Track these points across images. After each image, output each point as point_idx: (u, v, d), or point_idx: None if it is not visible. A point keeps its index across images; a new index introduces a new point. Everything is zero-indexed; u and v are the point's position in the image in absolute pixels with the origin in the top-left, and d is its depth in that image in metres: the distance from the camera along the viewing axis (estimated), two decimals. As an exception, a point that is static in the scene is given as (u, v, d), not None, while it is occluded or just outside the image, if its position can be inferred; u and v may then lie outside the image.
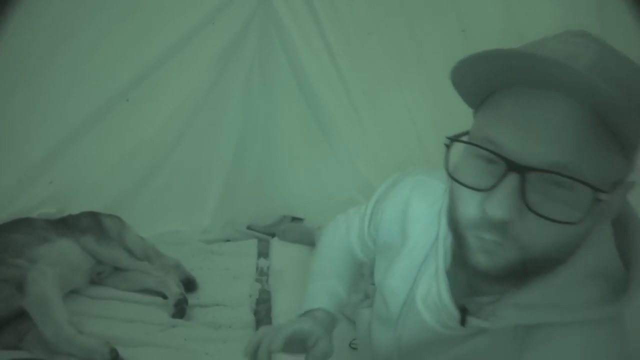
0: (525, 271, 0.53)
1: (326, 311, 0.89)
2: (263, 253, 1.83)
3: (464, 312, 0.61)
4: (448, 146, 0.55)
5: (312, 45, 1.81)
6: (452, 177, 0.55)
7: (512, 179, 0.48)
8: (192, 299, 1.45)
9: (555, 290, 0.55)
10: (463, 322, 0.60)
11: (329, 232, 1.05)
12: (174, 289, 1.42)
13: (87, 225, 1.57)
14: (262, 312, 1.48)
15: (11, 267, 1.29)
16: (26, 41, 1.36)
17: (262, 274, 1.70)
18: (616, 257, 0.57)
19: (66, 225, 1.55)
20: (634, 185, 0.54)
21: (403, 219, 0.78)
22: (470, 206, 0.53)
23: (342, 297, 0.91)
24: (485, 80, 0.52)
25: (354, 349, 1.12)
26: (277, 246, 1.83)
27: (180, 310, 1.37)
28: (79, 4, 1.44)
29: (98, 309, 1.38)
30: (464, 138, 0.55)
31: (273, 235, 1.95)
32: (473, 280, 0.63)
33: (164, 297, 1.43)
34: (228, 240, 1.93)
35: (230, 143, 1.95)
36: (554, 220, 0.48)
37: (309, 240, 1.76)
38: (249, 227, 2.03)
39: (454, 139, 0.55)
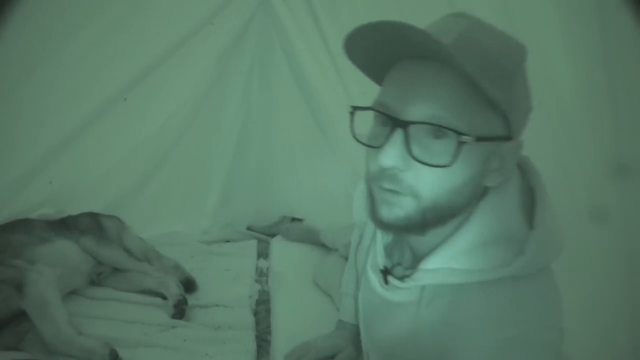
0: (424, 221, 0.60)
1: (354, 325, 1.11)
2: (263, 254, 1.83)
3: (385, 272, 0.70)
4: (352, 113, 0.65)
5: (311, 45, 1.81)
6: (356, 139, 0.65)
7: (398, 134, 0.57)
8: (191, 299, 1.44)
9: (455, 255, 0.62)
10: (385, 280, 0.70)
11: (351, 243, 1.13)
12: (174, 290, 1.41)
13: (87, 225, 1.57)
14: (262, 312, 1.48)
15: (10, 267, 1.29)
16: (26, 41, 1.36)
17: (262, 275, 1.70)
18: (520, 223, 0.62)
19: (65, 225, 1.55)
20: (520, 147, 0.62)
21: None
22: (372, 162, 0.62)
23: None
24: (375, 55, 0.61)
25: None
26: (277, 247, 1.83)
27: (180, 311, 1.37)
28: (79, 4, 1.44)
29: (97, 310, 1.38)
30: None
31: (273, 235, 1.95)
32: (403, 245, 0.73)
33: (164, 297, 1.43)
34: (228, 241, 1.93)
35: (229, 143, 1.95)
36: (430, 165, 0.56)
37: (312, 240, 1.75)
38: (248, 228, 2.03)
39: (356, 107, 0.65)
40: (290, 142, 2.00)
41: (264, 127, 1.98)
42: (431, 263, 0.64)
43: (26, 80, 1.44)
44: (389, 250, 0.76)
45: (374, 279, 0.74)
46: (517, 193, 0.64)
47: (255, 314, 1.46)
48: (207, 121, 1.89)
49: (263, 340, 1.36)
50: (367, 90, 1.97)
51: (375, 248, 0.76)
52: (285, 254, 1.76)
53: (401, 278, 0.69)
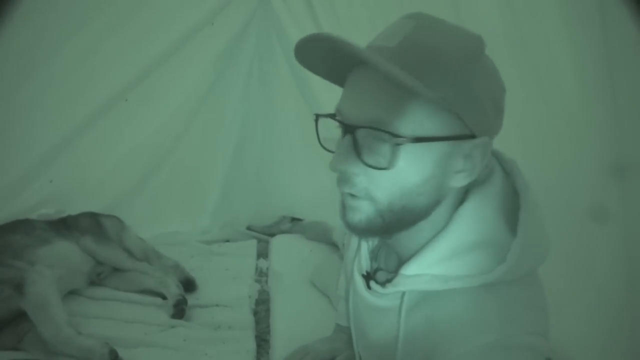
0: (385, 224, 0.61)
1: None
2: (262, 254, 1.83)
3: (368, 277, 0.71)
4: (315, 120, 0.66)
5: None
6: (321, 145, 0.65)
7: (347, 138, 0.59)
8: (191, 299, 1.44)
9: (434, 262, 0.62)
10: (368, 286, 0.70)
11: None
12: (174, 290, 1.41)
13: (87, 226, 1.57)
14: (262, 312, 1.48)
15: (10, 268, 1.29)
16: (27, 41, 1.36)
17: (262, 275, 1.70)
18: (502, 228, 0.61)
19: (65, 226, 1.55)
20: (488, 145, 0.60)
21: None
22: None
23: None
24: (331, 64, 0.62)
25: None
26: (276, 247, 1.83)
27: (180, 310, 1.37)
28: (79, 4, 1.44)
29: (97, 310, 1.38)
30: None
31: (273, 235, 1.95)
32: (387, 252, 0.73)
33: (164, 297, 1.43)
34: (227, 241, 1.93)
35: (229, 143, 1.95)
36: (375, 168, 0.57)
37: (328, 239, 1.75)
38: (248, 228, 2.03)
39: (318, 114, 0.65)
40: (290, 142, 2.00)
41: (264, 126, 1.98)
42: (411, 269, 0.63)
43: (26, 80, 1.44)
44: (374, 254, 0.75)
45: (360, 283, 0.73)
46: (499, 198, 0.63)
47: (255, 313, 1.46)
48: (207, 121, 1.89)
49: (262, 340, 1.36)
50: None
51: (359, 251, 0.75)
52: (285, 254, 1.76)
53: (383, 283, 0.68)
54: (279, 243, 1.86)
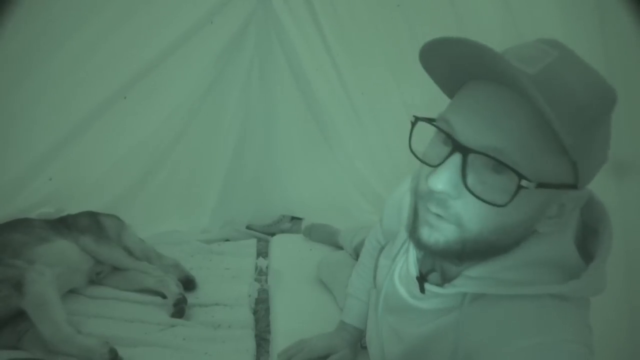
0: (463, 252, 0.58)
1: (355, 328, 1.12)
2: (262, 253, 1.83)
3: (422, 279, 0.68)
4: (413, 123, 0.61)
5: (311, 45, 1.81)
6: (412, 152, 0.61)
7: (456, 158, 0.54)
8: (191, 298, 1.44)
9: (502, 268, 0.60)
10: (422, 289, 0.67)
11: (365, 246, 1.13)
12: (173, 289, 1.41)
13: (86, 225, 1.57)
14: (261, 311, 1.48)
15: (9, 267, 1.29)
16: (26, 39, 1.36)
17: (262, 274, 1.70)
18: (573, 255, 0.61)
19: (65, 225, 1.55)
20: (584, 198, 0.58)
21: (399, 207, 0.84)
22: (423, 179, 0.59)
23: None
24: (451, 68, 0.57)
25: (364, 347, 1.14)
26: (276, 246, 1.83)
27: (180, 309, 1.37)
28: (78, 3, 1.43)
29: (97, 309, 1.38)
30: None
31: (272, 234, 1.95)
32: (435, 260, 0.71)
33: (163, 296, 1.43)
34: (227, 240, 1.93)
35: (229, 143, 1.95)
36: (482, 200, 0.53)
37: (332, 241, 1.75)
38: (248, 227, 2.03)
39: (419, 117, 0.60)
40: (290, 142, 2.00)
41: (264, 126, 1.98)
42: (476, 271, 0.62)
43: (26, 79, 1.44)
44: (420, 261, 0.73)
45: (402, 289, 0.72)
46: (573, 226, 0.62)
47: (255, 312, 1.47)
48: (206, 120, 1.89)
49: (262, 339, 1.36)
50: (366, 90, 1.98)
51: (407, 258, 0.74)
52: (285, 253, 1.76)
53: (439, 285, 0.67)
54: (278, 242, 1.86)
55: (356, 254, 1.49)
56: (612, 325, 1.02)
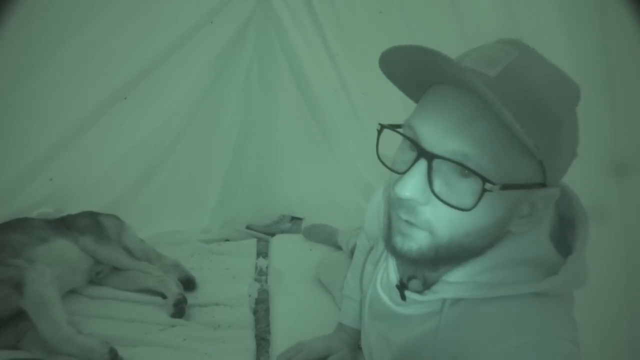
0: (437, 258, 0.58)
1: (353, 328, 1.12)
2: (262, 253, 1.83)
3: (402, 287, 0.68)
4: (379, 131, 0.61)
5: (311, 45, 1.81)
6: (380, 160, 0.62)
7: (421, 164, 0.54)
8: (191, 298, 1.44)
9: (480, 271, 0.60)
10: (403, 296, 0.67)
11: (357, 246, 1.13)
12: (173, 289, 1.41)
13: (86, 225, 1.57)
14: (261, 311, 1.48)
15: (9, 267, 1.29)
16: (27, 39, 1.36)
17: (262, 274, 1.70)
18: (549, 248, 0.61)
19: (65, 225, 1.55)
20: (555, 195, 0.58)
21: (378, 212, 0.85)
22: (392, 187, 0.58)
23: None
24: (412, 74, 0.57)
25: (361, 349, 1.13)
26: (276, 246, 1.83)
27: (180, 310, 1.37)
28: (79, 4, 1.43)
29: (97, 309, 1.38)
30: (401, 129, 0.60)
31: (272, 234, 1.95)
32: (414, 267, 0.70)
33: (163, 296, 1.43)
34: (227, 240, 1.93)
35: (229, 143, 1.95)
36: (449, 205, 0.53)
37: (332, 242, 1.75)
38: (248, 227, 2.03)
39: (384, 125, 0.60)
40: (290, 142, 2.00)
41: (264, 126, 1.98)
42: (454, 276, 0.62)
43: (26, 79, 1.44)
44: (400, 267, 0.73)
45: (384, 296, 0.72)
46: (548, 222, 0.62)
47: (255, 312, 1.47)
48: (206, 120, 1.89)
49: (262, 339, 1.36)
50: (367, 90, 1.98)
51: (387, 264, 0.74)
52: (285, 253, 1.77)
53: (420, 292, 0.67)
54: (278, 242, 1.87)
55: (352, 255, 1.49)
56: (613, 325, 1.02)
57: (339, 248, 1.68)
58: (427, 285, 0.67)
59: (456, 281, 0.62)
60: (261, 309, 1.50)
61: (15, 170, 1.54)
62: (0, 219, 1.48)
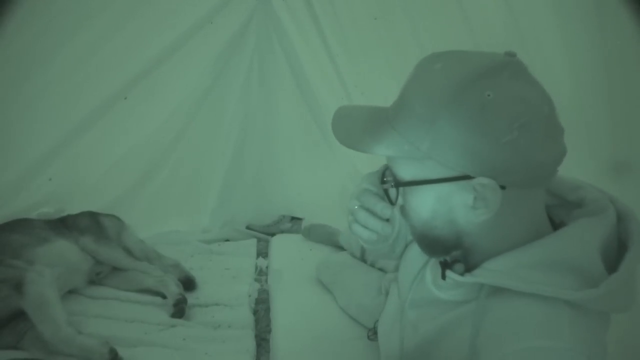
0: (422, 245, 0.71)
1: None
2: (262, 253, 1.83)
3: (444, 265, 0.71)
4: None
5: (311, 45, 1.81)
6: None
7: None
8: (191, 298, 1.44)
9: (521, 265, 0.62)
10: (443, 275, 0.70)
11: None
12: (173, 289, 1.41)
13: (86, 225, 1.57)
14: (261, 311, 1.48)
15: (9, 267, 1.29)
16: (27, 40, 1.36)
17: (261, 274, 1.70)
18: (595, 258, 0.61)
19: (65, 225, 1.55)
20: (490, 186, 0.60)
21: None
22: None
23: None
24: None
25: (371, 339, 1.13)
26: (276, 246, 1.83)
27: (180, 310, 1.37)
28: (78, 4, 1.44)
29: (97, 309, 1.38)
30: None
31: (272, 234, 1.95)
32: None
33: (163, 296, 1.43)
34: (227, 240, 1.93)
35: (229, 143, 1.95)
36: (389, 198, 0.71)
37: (332, 242, 1.75)
38: (248, 227, 2.03)
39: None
40: (290, 142, 2.00)
41: (264, 126, 1.98)
42: (496, 264, 0.64)
43: (26, 79, 1.44)
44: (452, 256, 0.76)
45: (429, 276, 0.75)
46: (605, 234, 0.63)
47: (255, 312, 1.47)
48: (206, 120, 1.89)
49: (262, 339, 1.36)
50: (366, 90, 1.98)
51: None
52: (285, 253, 1.76)
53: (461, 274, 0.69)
54: (278, 242, 1.87)
55: (362, 253, 1.49)
56: (612, 325, 1.02)
57: (339, 248, 1.68)
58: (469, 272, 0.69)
59: (496, 269, 0.64)
60: (261, 309, 1.50)
61: (16, 170, 1.55)
62: (0, 219, 1.48)
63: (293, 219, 2.06)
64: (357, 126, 0.69)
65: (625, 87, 0.93)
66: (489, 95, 0.58)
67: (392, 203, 0.69)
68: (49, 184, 1.62)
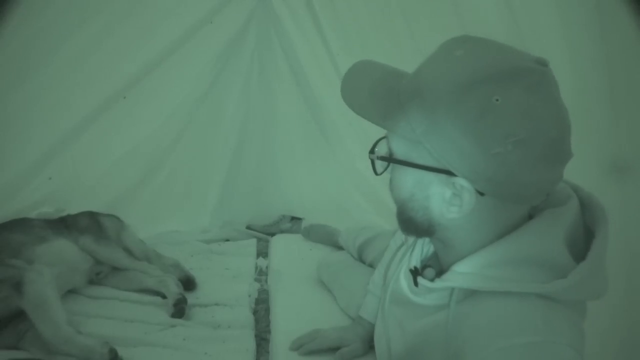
0: (402, 226, 0.70)
1: (370, 323, 1.13)
2: (262, 253, 1.83)
3: (415, 273, 0.72)
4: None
5: (311, 44, 1.81)
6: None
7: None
8: (191, 298, 1.44)
9: (488, 264, 0.63)
10: (415, 282, 0.71)
11: (390, 245, 1.13)
12: (173, 289, 1.41)
13: (86, 225, 1.57)
14: (261, 311, 1.48)
15: (9, 267, 1.29)
16: (26, 39, 1.36)
17: (261, 274, 1.70)
18: (561, 249, 0.61)
19: (64, 225, 1.55)
20: (466, 189, 0.59)
21: None
22: None
23: None
24: None
25: (373, 347, 1.14)
26: (276, 246, 1.83)
27: (180, 310, 1.37)
28: (78, 3, 1.43)
29: (97, 309, 1.38)
30: None
31: (272, 234, 1.95)
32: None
33: (163, 296, 1.43)
34: (227, 240, 1.93)
35: (229, 143, 1.95)
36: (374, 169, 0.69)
37: (331, 241, 1.75)
38: (248, 227, 2.03)
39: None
40: (290, 142, 2.00)
41: (264, 126, 1.98)
42: (464, 266, 0.64)
43: (26, 78, 1.44)
44: (424, 261, 0.77)
45: (404, 283, 0.75)
46: (568, 224, 0.63)
47: (255, 312, 1.46)
48: (206, 120, 1.89)
49: (262, 339, 1.36)
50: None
51: (412, 253, 0.78)
52: (285, 253, 1.76)
53: (431, 280, 0.70)
54: (278, 242, 1.86)
55: (359, 254, 1.49)
56: (611, 325, 1.02)
57: (339, 248, 1.68)
58: (440, 276, 0.69)
59: (464, 271, 0.64)
60: (261, 309, 1.50)
61: (15, 170, 1.54)
62: (0, 218, 1.48)
63: (293, 219, 2.06)
64: (366, 87, 0.68)
65: (626, 87, 0.93)
66: (496, 100, 0.55)
67: (376, 173, 0.69)
68: (49, 183, 1.62)
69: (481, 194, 0.59)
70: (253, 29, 1.83)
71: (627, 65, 0.91)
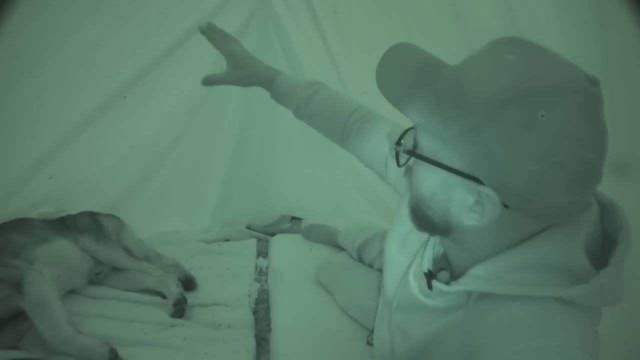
0: (416, 222, 0.68)
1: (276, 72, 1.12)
2: (262, 253, 1.83)
3: (430, 276, 0.70)
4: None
5: (310, 45, 1.81)
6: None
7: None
8: (191, 298, 1.44)
9: (507, 268, 0.62)
10: (429, 285, 0.69)
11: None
12: (173, 289, 1.41)
13: (86, 225, 1.57)
14: (261, 311, 1.48)
15: (9, 267, 1.29)
16: (27, 39, 1.36)
17: (261, 274, 1.70)
18: (581, 256, 0.60)
19: (65, 225, 1.55)
20: (492, 199, 0.58)
21: None
22: None
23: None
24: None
25: (370, 344, 1.13)
26: (276, 246, 1.83)
27: (180, 310, 1.37)
28: (79, 4, 1.43)
29: (97, 309, 1.38)
30: None
31: (272, 234, 1.95)
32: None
33: (163, 296, 1.43)
34: (227, 240, 1.93)
35: (229, 142, 1.95)
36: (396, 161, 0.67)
37: (331, 242, 1.75)
38: (248, 227, 2.03)
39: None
40: (290, 142, 2.00)
41: (264, 126, 1.98)
42: (482, 270, 0.63)
43: (25, 78, 1.44)
44: (435, 263, 0.75)
45: (414, 284, 0.74)
46: (589, 231, 0.62)
47: (255, 312, 1.47)
48: (206, 120, 1.89)
49: (262, 339, 1.36)
50: (366, 90, 1.98)
51: (423, 254, 0.76)
52: (284, 253, 1.77)
53: (447, 283, 0.68)
54: (278, 242, 1.86)
55: (359, 254, 1.49)
56: (612, 325, 1.02)
57: (339, 248, 1.68)
58: (455, 279, 0.68)
59: (483, 275, 0.63)
60: (261, 309, 1.50)
61: (15, 170, 1.54)
62: (0, 218, 1.48)
63: (293, 219, 2.06)
64: (402, 76, 0.65)
65: (626, 87, 0.93)
66: (542, 116, 0.52)
67: (398, 165, 0.67)
68: (49, 183, 1.62)
69: (506, 206, 0.58)
70: (253, 29, 1.83)
71: (627, 65, 0.91)
